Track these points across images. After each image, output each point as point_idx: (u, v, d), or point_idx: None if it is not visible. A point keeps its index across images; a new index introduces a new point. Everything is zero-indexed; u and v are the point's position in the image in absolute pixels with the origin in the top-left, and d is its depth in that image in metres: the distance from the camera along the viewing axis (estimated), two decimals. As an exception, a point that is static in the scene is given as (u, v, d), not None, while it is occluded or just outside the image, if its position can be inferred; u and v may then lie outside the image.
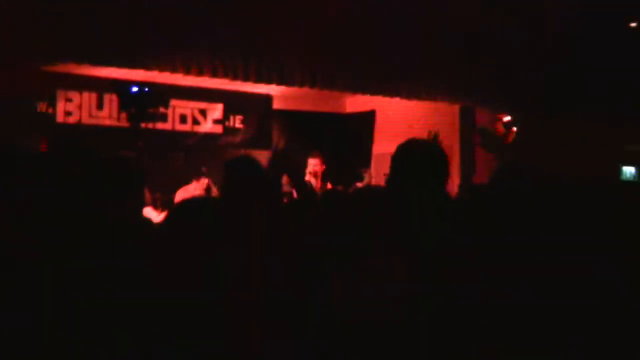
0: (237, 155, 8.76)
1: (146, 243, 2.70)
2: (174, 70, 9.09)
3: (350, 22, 9.93)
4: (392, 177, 3.08)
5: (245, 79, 9.74)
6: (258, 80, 9.89)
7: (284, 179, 9.17)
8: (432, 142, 3.38)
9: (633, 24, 9.61)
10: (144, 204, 6.03)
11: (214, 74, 9.45)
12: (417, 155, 3.03)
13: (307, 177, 10.02)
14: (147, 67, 8.91)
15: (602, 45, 9.97)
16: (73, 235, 2.37)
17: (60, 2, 8.14)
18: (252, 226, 2.94)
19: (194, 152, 12.08)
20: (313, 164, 9.75)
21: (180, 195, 10.08)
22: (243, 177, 3.89)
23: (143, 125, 9.23)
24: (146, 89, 8.66)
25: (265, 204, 3.85)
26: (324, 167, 9.85)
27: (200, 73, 9.33)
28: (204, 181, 10.64)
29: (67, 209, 2.42)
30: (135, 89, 8.65)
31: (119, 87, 9.09)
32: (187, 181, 10.44)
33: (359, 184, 9.33)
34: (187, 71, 9.19)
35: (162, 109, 10.91)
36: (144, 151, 8.82)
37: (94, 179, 2.61)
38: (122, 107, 9.31)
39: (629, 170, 9.97)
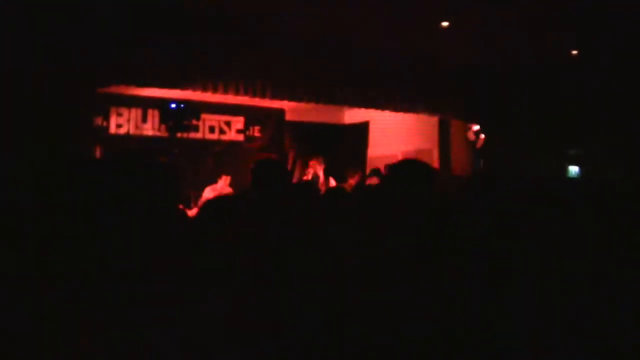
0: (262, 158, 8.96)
1: (184, 229, 2.69)
2: (204, 89, 9.31)
3: (347, 50, 10.13)
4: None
5: (263, 96, 9.93)
6: (273, 97, 10.08)
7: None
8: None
9: (574, 52, 9.75)
10: (178, 201, 6.18)
11: (237, 92, 9.63)
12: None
13: (308, 175, 10.27)
14: (182, 87, 9.14)
15: (547, 69, 10.16)
16: (126, 222, 2.31)
17: (110, 37, 8.35)
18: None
19: (220, 156, 12.31)
20: (313, 165, 10.01)
21: (208, 191, 10.28)
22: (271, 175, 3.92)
23: (179, 135, 9.45)
24: (182, 105, 8.87)
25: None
26: (323, 166, 10.09)
27: (225, 91, 9.53)
28: (227, 179, 10.87)
29: (119, 202, 2.33)
30: (173, 105, 8.88)
31: (160, 104, 9.31)
32: (214, 180, 10.64)
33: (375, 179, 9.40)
34: (215, 90, 9.41)
35: (194, 122, 11.19)
36: (179, 157, 9.06)
37: (138, 179, 2.53)
38: (162, 120, 9.53)
39: (573, 169, 10.12)
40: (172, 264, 2.28)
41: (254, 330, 2.19)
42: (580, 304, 2.37)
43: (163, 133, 10.23)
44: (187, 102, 9.02)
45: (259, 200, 2.94)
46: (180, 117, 8.89)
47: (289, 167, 13.27)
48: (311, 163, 10.59)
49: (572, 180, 8.50)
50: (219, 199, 2.81)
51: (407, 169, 3.20)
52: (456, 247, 2.58)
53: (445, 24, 9.11)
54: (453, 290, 2.39)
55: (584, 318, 2.36)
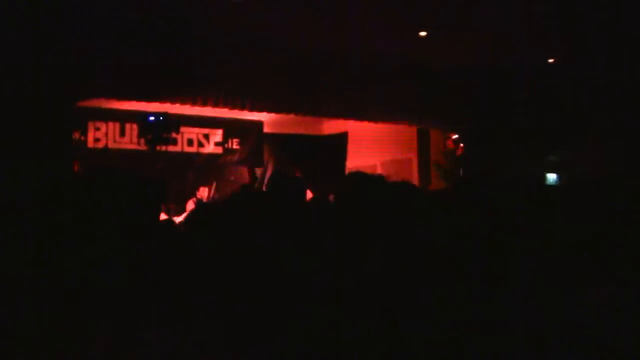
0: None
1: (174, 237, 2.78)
2: (183, 102, 9.28)
3: (325, 61, 10.13)
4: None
5: (242, 108, 9.90)
6: (252, 109, 10.04)
7: None
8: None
9: (551, 60, 9.83)
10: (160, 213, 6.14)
11: (215, 104, 9.62)
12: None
13: None
14: (160, 99, 9.10)
15: (525, 77, 10.23)
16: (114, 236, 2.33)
17: (89, 50, 8.29)
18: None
19: (199, 169, 12.25)
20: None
21: (190, 204, 10.25)
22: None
23: (158, 147, 9.36)
24: (160, 118, 8.80)
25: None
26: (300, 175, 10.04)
27: (204, 104, 9.50)
28: (205, 190, 10.84)
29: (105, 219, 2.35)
30: (151, 118, 8.80)
31: (139, 117, 9.23)
32: (193, 193, 10.61)
33: None
34: (194, 102, 9.38)
35: (173, 134, 11.12)
36: (163, 171, 8.98)
37: (123, 198, 2.55)
38: (140, 133, 9.41)
39: (551, 177, 10.16)
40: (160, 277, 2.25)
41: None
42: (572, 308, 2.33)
43: (142, 146, 10.13)
44: (166, 115, 8.92)
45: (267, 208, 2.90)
46: (159, 129, 8.80)
47: (266, 179, 13.23)
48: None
49: (553, 186, 8.51)
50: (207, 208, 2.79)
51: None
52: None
53: (423, 33, 9.15)
54: (453, 294, 2.37)
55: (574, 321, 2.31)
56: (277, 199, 3.67)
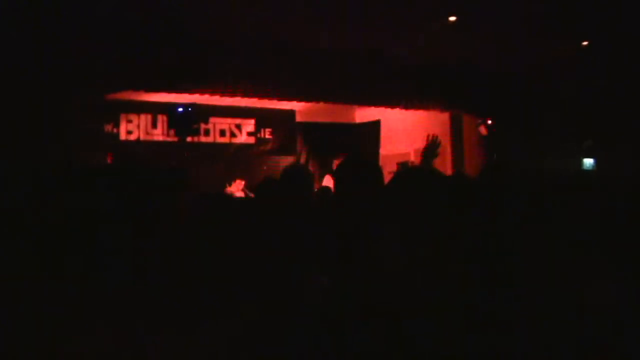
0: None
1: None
2: (212, 93, 9.26)
3: (356, 48, 9.99)
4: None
5: (271, 97, 9.85)
6: (281, 98, 9.98)
7: None
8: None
9: (585, 43, 9.55)
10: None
11: (245, 95, 9.58)
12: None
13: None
14: (189, 91, 9.09)
15: (561, 60, 9.97)
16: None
17: (117, 45, 8.31)
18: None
19: (232, 160, 12.21)
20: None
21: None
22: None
23: (189, 139, 9.38)
24: (189, 109, 8.79)
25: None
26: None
27: (233, 94, 9.47)
28: (241, 183, 10.77)
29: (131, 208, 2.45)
30: (180, 109, 8.80)
31: (168, 108, 9.23)
32: (225, 185, 10.59)
33: None
34: (223, 93, 9.35)
35: (205, 125, 11.13)
36: (190, 161, 8.98)
37: (148, 186, 2.63)
38: (170, 124, 9.46)
39: (588, 162, 9.93)
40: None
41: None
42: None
43: (173, 138, 10.16)
44: (195, 105, 8.90)
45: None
46: (188, 120, 8.80)
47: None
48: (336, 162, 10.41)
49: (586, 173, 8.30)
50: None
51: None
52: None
53: (452, 18, 8.97)
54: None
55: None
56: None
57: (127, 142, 11.09)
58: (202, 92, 9.20)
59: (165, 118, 10.82)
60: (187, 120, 8.74)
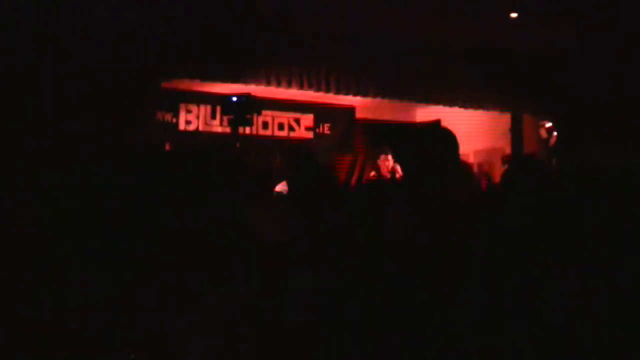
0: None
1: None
2: (267, 84, 9.15)
3: (415, 45, 9.76)
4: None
5: (327, 90, 9.67)
6: (337, 91, 9.79)
7: None
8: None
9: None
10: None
11: (301, 87, 9.44)
12: None
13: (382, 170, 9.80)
14: (245, 81, 9.03)
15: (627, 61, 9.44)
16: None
17: (173, 32, 8.28)
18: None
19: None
20: (384, 159, 9.54)
21: (280, 187, 10.06)
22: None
23: (247, 132, 9.25)
24: (243, 98, 8.65)
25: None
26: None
27: (289, 86, 9.34)
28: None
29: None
30: (234, 98, 8.67)
31: (222, 97, 9.14)
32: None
33: None
34: (278, 84, 9.24)
35: (262, 119, 11.02)
36: (241, 151, 8.83)
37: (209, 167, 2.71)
38: (223, 112, 9.39)
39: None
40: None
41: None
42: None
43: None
44: (249, 96, 8.76)
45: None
46: (242, 110, 8.65)
47: (360, 165, 12.96)
48: (382, 157, 10.03)
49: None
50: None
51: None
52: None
53: (514, 15, 8.60)
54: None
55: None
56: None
57: (185, 132, 11.03)
58: (257, 83, 9.14)
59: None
60: (241, 110, 8.58)
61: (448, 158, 2.90)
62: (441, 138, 2.90)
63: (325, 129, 12.58)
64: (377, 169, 9.63)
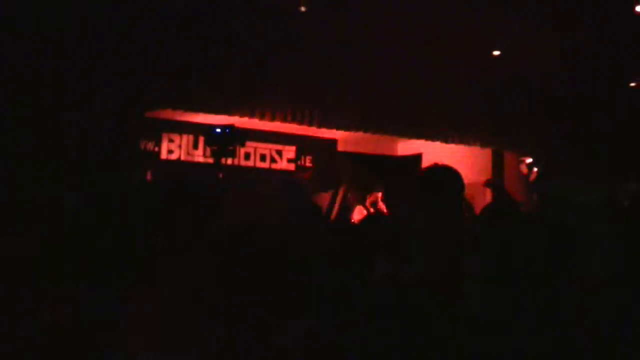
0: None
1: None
2: (251, 115, 9.16)
3: (398, 80, 9.84)
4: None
5: (310, 124, 9.69)
6: (321, 125, 9.82)
7: None
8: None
9: (632, 84, 9.16)
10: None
11: (284, 119, 9.45)
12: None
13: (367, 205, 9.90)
14: (229, 113, 9.02)
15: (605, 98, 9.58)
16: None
17: (157, 64, 8.28)
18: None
19: (271, 185, 12.01)
20: (376, 195, 9.69)
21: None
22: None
23: (229, 162, 9.22)
24: (227, 130, 8.63)
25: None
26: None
27: (272, 118, 9.35)
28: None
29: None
30: (218, 130, 8.64)
31: (206, 128, 9.13)
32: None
33: None
34: (262, 116, 9.25)
35: (244, 149, 10.98)
36: (224, 182, 8.77)
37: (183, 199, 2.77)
38: (206, 143, 9.38)
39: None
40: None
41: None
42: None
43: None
44: (232, 127, 8.74)
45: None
46: (225, 141, 8.62)
47: (340, 198, 12.92)
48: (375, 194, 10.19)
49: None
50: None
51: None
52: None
53: (496, 53, 8.71)
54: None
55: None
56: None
57: (167, 162, 10.97)
58: (241, 115, 9.14)
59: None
60: (224, 142, 8.56)
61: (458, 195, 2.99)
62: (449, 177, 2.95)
63: (307, 161, 12.57)
64: (375, 204, 9.73)
